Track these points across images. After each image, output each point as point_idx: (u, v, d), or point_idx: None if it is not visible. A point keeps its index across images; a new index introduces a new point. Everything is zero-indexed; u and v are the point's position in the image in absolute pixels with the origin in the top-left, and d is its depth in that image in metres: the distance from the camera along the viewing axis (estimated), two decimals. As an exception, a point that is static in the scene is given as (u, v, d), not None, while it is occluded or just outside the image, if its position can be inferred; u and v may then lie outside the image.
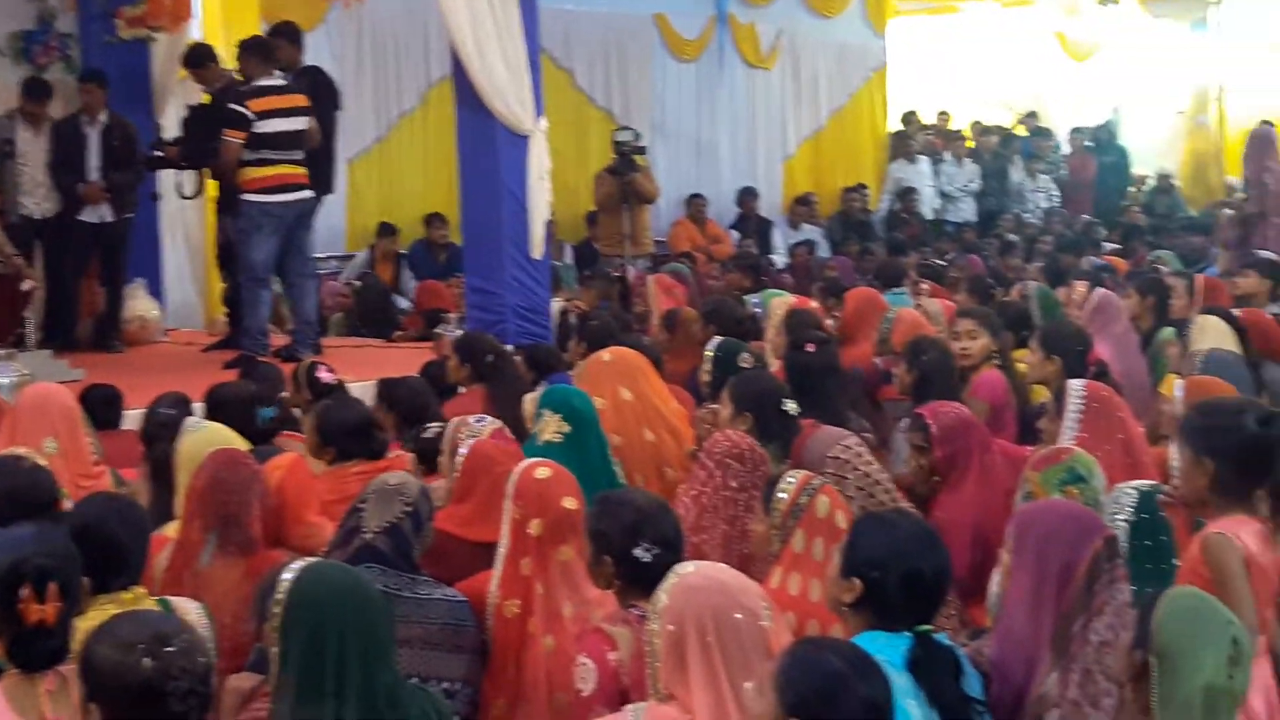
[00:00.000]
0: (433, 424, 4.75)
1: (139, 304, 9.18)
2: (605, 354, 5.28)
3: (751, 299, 8.52)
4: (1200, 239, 13.30)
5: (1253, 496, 3.40)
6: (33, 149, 8.58)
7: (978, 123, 17.16)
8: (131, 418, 5.68)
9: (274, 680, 2.74)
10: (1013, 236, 13.96)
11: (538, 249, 7.98)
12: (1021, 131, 17.28)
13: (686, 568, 2.84)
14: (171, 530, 4.08)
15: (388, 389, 5.51)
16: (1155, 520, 3.62)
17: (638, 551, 3.27)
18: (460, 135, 8.06)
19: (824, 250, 14.20)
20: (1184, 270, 8.75)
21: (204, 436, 4.35)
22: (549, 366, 6.40)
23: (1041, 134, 17.16)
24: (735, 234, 14.18)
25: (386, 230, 11.82)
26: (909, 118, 16.44)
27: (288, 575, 2.76)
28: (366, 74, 11.97)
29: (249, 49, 8.15)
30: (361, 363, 7.72)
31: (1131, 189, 17.29)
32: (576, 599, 3.56)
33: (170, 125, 9.25)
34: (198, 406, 5.27)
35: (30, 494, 3.71)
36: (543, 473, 3.69)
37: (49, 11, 9.40)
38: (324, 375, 5.92)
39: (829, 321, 7.33)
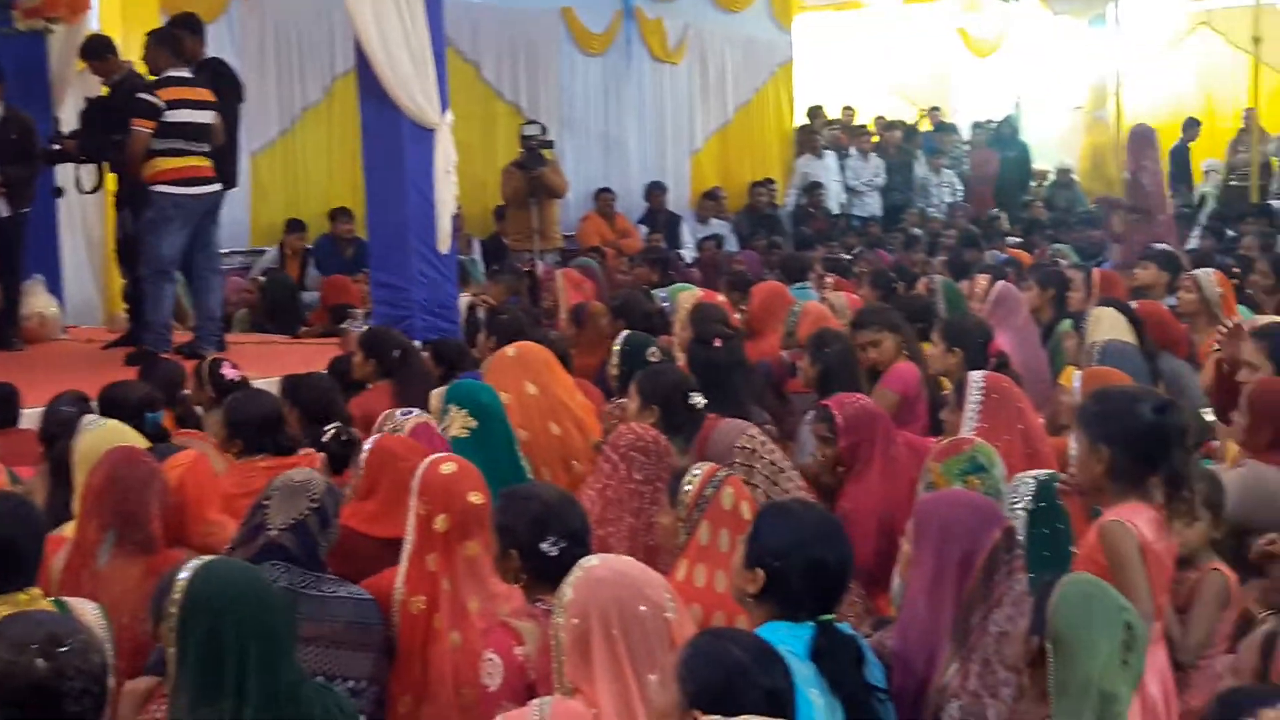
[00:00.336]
0: (332, 424, 4.71)
1: (37, 300, 9.01)
2: (510, 349, 5.27)
3: (659, 293, 8.55)
4: (1099, 233, 13.53)
5: (1147, 484, 3.44)
6: (-72, 143, 8.38)
7: (881, 118, 17.33)
8: (30, 416, 5.58)
9: (171, 681, 2.70)
10: (917, 231, 14.11)
11: (444, 243, 7.95)
12: (925, 126, 17.48)
13: (591, 561, 2.84)
14: (69, 530, 4.01)
15: (291, 386, 5.46)
16: (1053, 509, 3.68)
17: (544, 546, 3.27)
18: (365, 129, 8.01)
19: (732, 244, 14.26)
20: (1082, 263, 8.88)
21: (102, 434, 4.28)
22: (456, 362, 6.38)
23: (945, 129, 17.36)
24: (644, 228, 14.21)
25: (295, 226, 11.71)
26: (815, 113, 16.56)
27: (183, 574, 2.72)
28: (269, 66, 11.82)
29: (159, 41, 8.03)
30: (266, 359, 7.64)
31: (1033, 183, 17.56)
32: (483, 594, 3.55)
33: (69, 118, 9.08)
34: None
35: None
36: (448, 468, 3.67)
37: (-57, 4, 9.20)
38: (227, 372, 5.86)
39: (736, 315, 7.38)
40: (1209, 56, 17.69)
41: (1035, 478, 3.77)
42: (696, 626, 2.95)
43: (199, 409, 5.82)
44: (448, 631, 3.51)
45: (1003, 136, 17.55)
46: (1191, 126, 16.30)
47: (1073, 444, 3.69)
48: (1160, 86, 17.76)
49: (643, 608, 2.71)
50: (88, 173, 8.75)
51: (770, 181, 15.53)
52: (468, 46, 13.05)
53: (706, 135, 15.60)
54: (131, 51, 8.36)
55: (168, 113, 7.73)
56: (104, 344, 8.63)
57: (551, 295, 8.88)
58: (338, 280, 10.67)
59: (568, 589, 2.77)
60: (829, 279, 9.41)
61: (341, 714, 2.80)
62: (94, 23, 9.41)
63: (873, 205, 15.96)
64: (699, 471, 3.65)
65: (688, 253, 13.87)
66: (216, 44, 9.63)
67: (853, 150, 16.18)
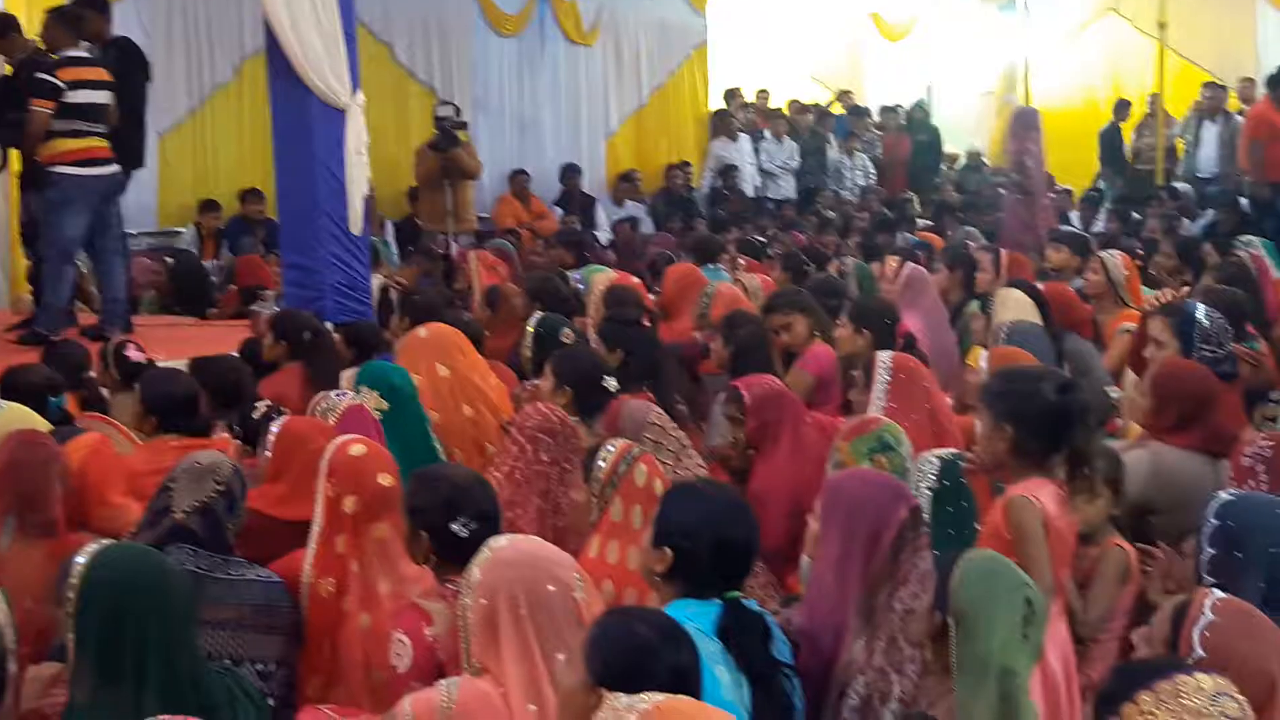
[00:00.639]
0: (261, 402, 4.68)
1: (-61, 283, 8.83)
2: (422, 330, 5.26)
3: (574, 275, 8.55)
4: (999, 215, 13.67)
5: (1050, 461, 3.50)
6: None
7: (795, 101, 17.41)
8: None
9: (71, 666, 2.67)
10: (830, 213, 14.20)
11: (356, 225, 7.87)
12: (838, 110, 17.58)
13: (499, 541, 2.84)
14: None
15: (199, 367, 5.39)
16: (957, 487, 3.74)
17: (455, 526, 3.26)
18: (274, 109, 7.90)
19: (648, 227, 14.28)
20: (990, 245, 8.99)
21: (3, 418, 4.21)
22: (369, 344, 6.33)
23: (857, 113, 17.49)
24: (559, 211, 14.18)
25: (210, 206, 11.54)
26: (730, 95, 16.61)
27: (81, 559, 2.70)
28: (177, 45, 11.66)
29: (58, 19, 7.88)
30: (174, 341, 7.54)
31: (944, 167, 17.73)
32: (393, 576, 3.54)
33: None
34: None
35: None
36: (357, 450, 3.66)
37: None
38: (133, 354, 5.77)
39: (650, 297, 7.40)
40: (1117, 42, 17.93)
41: (940, 457, 3.82)
42: (608, 603, 2.97)
43: (104, 391, 5.73)
44: (357, 613, 3.50)
45: (915, 120, 17.70)
46: (1123, 108, 16.40)
47: (978, 422, 3.74)
48: (1069, 71, 17.99)
49: (551, 587, 2.71)
50: (-9, 154, 8.57)
51: (686, 164, 15.55)
52: (380, 27, 12.95)
53: (622, 117, 15.59)
54: (34, 30, 8.18)
55: (67, 93, 7.60)
56: (7, 327, 8.47)
57: (465, 277, 8.85)
58: (250, 261, 10.54)
59: (475, 569, 2.76)
60: (742, 260, 9.45)
61: (247, 697, 2.79)
62: (-2, 0, 9.23)
63: (787, 188, 16.03)
64: (613, 448, 3.65)
65: (603, 235, 13.86)
66: (123, 22, 9.46)
67: (767, 133, 16.23)
